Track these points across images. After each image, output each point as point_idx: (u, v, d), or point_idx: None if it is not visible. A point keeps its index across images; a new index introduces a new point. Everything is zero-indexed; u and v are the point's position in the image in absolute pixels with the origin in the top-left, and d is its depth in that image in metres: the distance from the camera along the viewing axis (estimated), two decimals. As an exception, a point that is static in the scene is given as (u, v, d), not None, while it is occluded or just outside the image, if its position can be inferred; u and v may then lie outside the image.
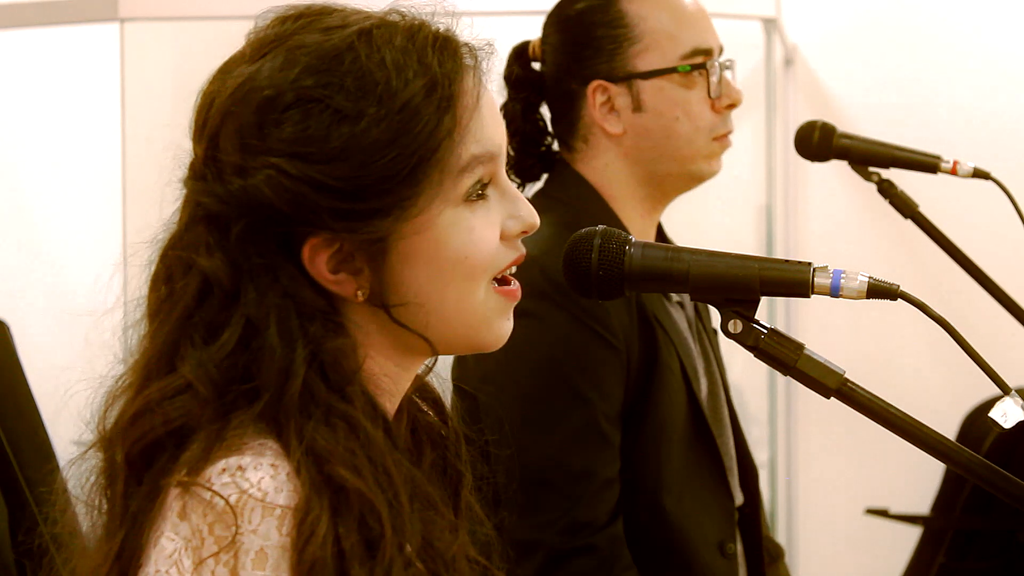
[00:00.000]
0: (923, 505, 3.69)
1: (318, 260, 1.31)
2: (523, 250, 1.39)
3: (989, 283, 2.30)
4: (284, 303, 1.29)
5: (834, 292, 1.34)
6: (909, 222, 2.33)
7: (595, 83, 2.25)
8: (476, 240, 1.34)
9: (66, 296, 3.67)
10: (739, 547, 2.30)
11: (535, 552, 2.10)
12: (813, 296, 1.35)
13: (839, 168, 2.39)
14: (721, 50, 2.29)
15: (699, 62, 2.25)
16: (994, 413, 1.33)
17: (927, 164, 2.33)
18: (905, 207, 2.32)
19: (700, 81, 2.25)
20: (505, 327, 1.39)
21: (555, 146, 2.34)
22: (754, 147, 4.01)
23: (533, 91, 2.32)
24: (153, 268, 1.34)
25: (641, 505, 2.17)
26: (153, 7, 3.48)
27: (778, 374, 1.50)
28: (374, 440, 1.29)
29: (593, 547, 2.11)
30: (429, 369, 1.47)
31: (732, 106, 2.28)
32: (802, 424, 4.05)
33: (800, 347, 1.35)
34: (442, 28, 1.36)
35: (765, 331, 1.35)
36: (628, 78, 2.24)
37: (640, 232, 2.26)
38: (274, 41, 1.33)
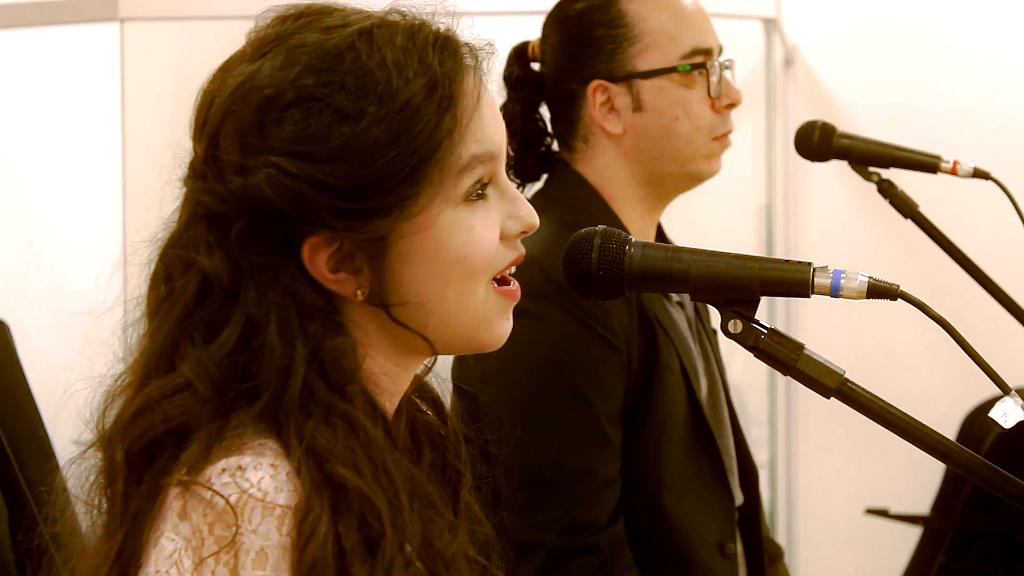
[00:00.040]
0: (923, 505, 3.68)
1: (318, 259, 1.31)
2: (523, 250, 1.39)
3: (989, 283, 2.30)
4: (284, 302, 1.29)
5: (834, 292, 1.34)
6: (909, 222, 2.33)
7: (595, 83, 2.25)
8: (476, 240, 1.35)
9: (66, 296, 3.66)
10: (739, 547, 2.30)
11: (535, 552, 2.10)
12: (813, 296, 1.35)
13: (839, 168, 2.39)
14: (721, 50, 2.29)
15: (699, 62, 2.25)
16: (994, 413, 1.33)
17: (927, 164, 2.33)
18: (905, 207, 2.32)
19: (700, 81, 2.25)
20: (505, 327, 1.39)
21: (555, 146, 2.34)
22: (754, 147, 4.01)
23: (533, 91, 2.32)
24: (153, 267, 1.34)
25: (641, 505, 2.17)
26: (153, 7, 3.48)
27: (778, 374, 1.50)
28: (374, 439, 1.29)
29: (594, 547, 2.11)
30: (428, 369, 1.47)
31: (732, 106, 2.28)
32: (802, 424, 4.05)
33: (800, 347, 1.35)
34: (443, 28, 1.36)
35: (765, 331, 1.35)
36: (628, 78, 2.24)
37: (640, 232, 2.26)
38: (274, 40, 1.34)
